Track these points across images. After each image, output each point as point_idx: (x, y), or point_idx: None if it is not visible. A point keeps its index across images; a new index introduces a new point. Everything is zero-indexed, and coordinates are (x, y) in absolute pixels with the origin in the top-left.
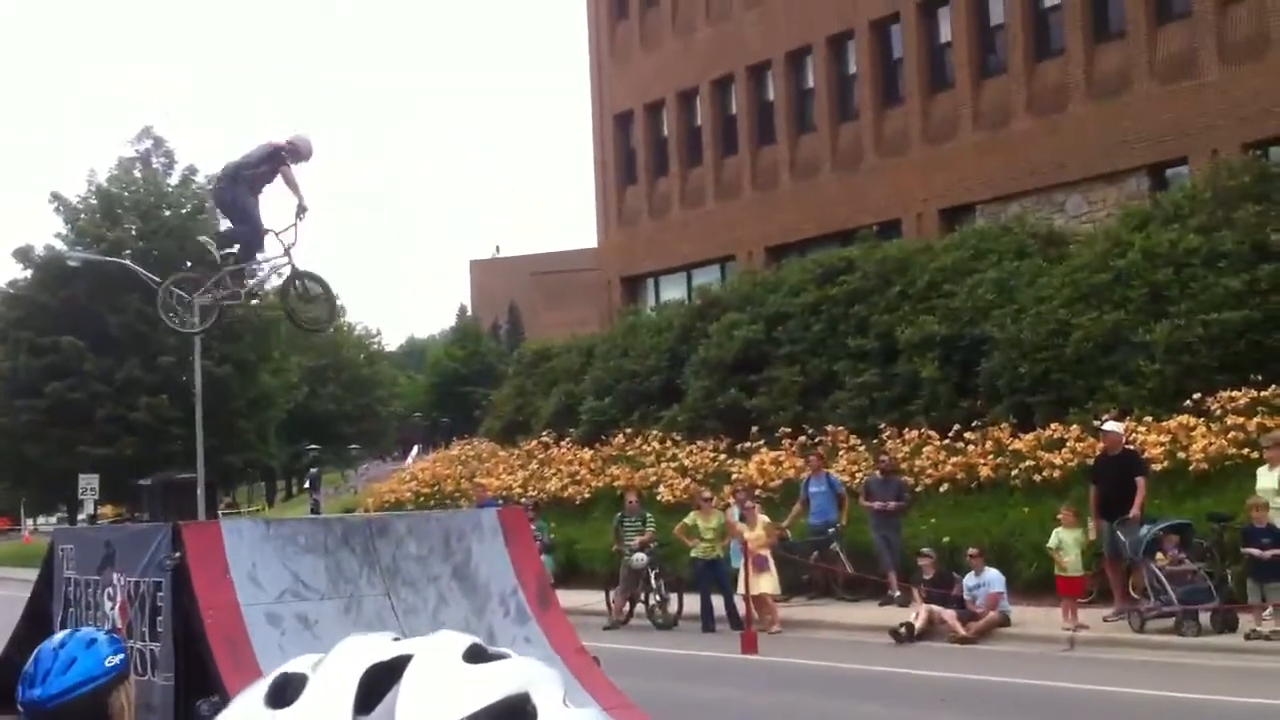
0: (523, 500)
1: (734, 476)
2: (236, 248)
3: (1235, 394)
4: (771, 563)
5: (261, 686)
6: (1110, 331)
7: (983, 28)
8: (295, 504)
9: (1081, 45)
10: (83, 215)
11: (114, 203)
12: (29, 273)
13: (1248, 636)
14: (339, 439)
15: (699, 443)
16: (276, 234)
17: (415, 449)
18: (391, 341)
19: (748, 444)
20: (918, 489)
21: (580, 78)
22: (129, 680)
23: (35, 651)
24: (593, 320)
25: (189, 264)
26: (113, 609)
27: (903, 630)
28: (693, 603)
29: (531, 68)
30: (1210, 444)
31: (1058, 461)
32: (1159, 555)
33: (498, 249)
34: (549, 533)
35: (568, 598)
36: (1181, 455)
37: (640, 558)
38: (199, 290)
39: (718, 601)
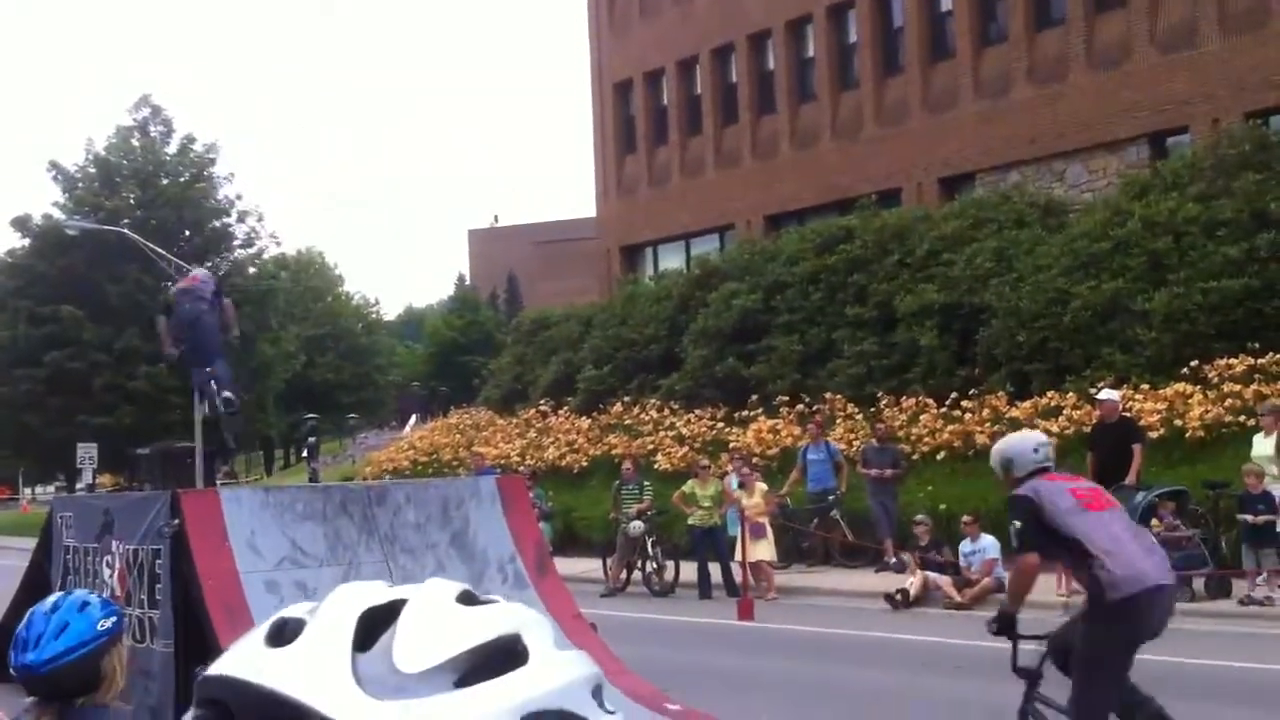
0: (521, 469)
1: (732, 444)
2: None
3: (1232, 362)
4: (769, 530)
5: (261, 629)
6: (1109, 300)
7: None
8: (294, 472)
9: (1082, 14)
10: (81, 184)
11: (112, 171)
12: (27, 241)
13: (1241, 602)
14: (337, 408)
15: (697, 411)
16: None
17: (413, 418)
18: (390, 311)
19: (746, 412)
20: (915, 457)
21: (580, 47)
22: (121, 643)
23: (28, 615)
24: (592, 289)
25: (187, 232)
26: (112, 576)
27: (898, 596)
28: (690, 570)
29: (531, 37)
30: (1207, 411)
31: (1055, 429)
32: (1154, 521)
33: (496, 218)
34: (547, 500)
35: (565, 565)
36: (1178, 423)
37: (637, 525)
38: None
39: (715, 569)
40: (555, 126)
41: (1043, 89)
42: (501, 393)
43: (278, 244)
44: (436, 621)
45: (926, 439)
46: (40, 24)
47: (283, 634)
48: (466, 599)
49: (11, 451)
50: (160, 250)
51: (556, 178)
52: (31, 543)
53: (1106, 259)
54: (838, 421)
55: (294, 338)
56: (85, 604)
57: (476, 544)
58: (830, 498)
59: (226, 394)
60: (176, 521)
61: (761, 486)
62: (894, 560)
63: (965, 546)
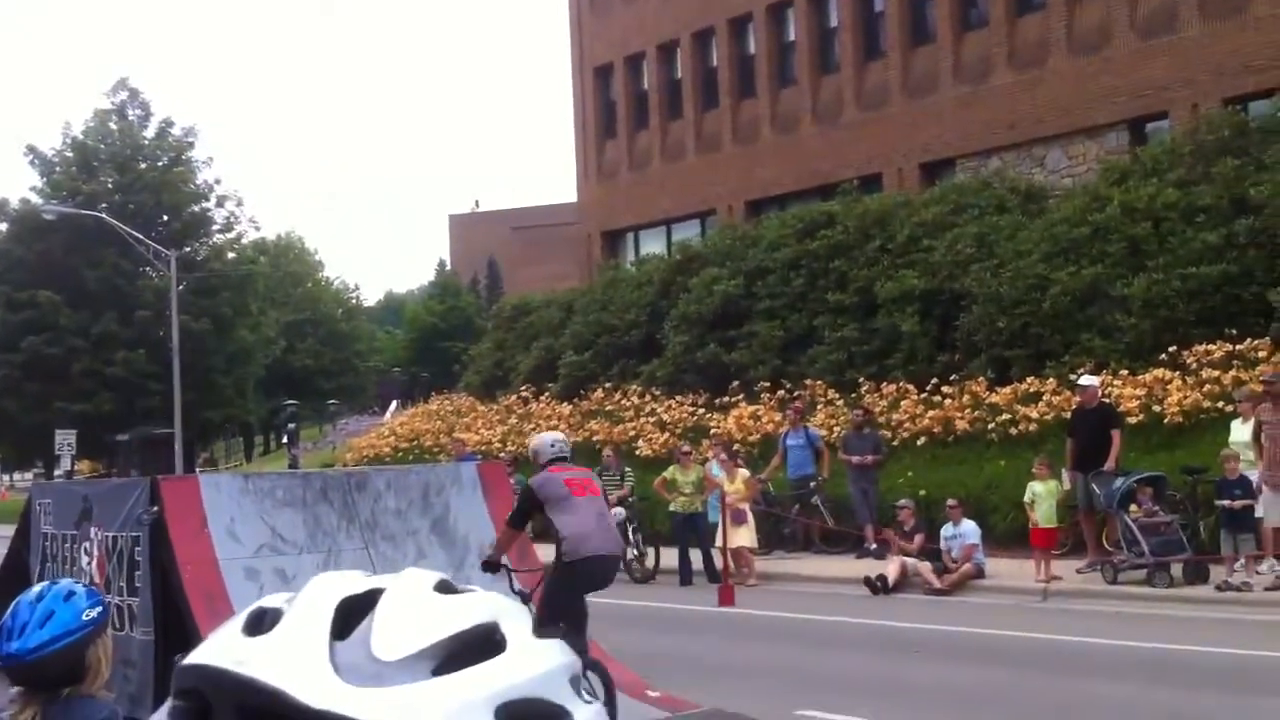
0: (502, 455)
1: (713, 430)
2: None
3: (1211, 348)
4: (750, 516)
5: (239, 618)
6: (1088, 286)
7: None
8: (274, 459)
9: (1063, 0)
10: (58, 168)
11: (90, 155)
12: (4, 226)
13: (1219, 588)
14: (317, 394)
15: (678, 397)
16: None
17: (394, 404)
18: (370, 296)
19: (727, 398)
20: (895, 442)
21: (560, 30)
22: (106, 633)
23: (13, 604)
24: (573, 275)
25: (165, 217)
26: (90, 564)
27: (878, 582)
28: (671, 556)
29: (511, 21)
30: (1185, 397)
31: (1034, 415)
32: (1133, 507)
33: (476, 203)
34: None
35: (547, 550)
36: (1157, 408)
37: (618, 512)
38: None
39: (696, 555)
40: (536, 111)
41: (1023, 74)
42: (482, 379)
43: (257, 229)
44: (414, 610)
45: (907, 424)
46: (17, 6)
47: (260, 623)
48: (444, 588)
49: None
50: (138, 235)
51: (537, 162)
52: (9, 529)
53: (1086, 245)
54: (819, 407)
55: (273, 323)
56: (71, 594)
57: (457, 531)
58: (812, 484)
59: None
60: (155, 509)
61: (743, 473)
62: (874, 546)
63: (947, 530)
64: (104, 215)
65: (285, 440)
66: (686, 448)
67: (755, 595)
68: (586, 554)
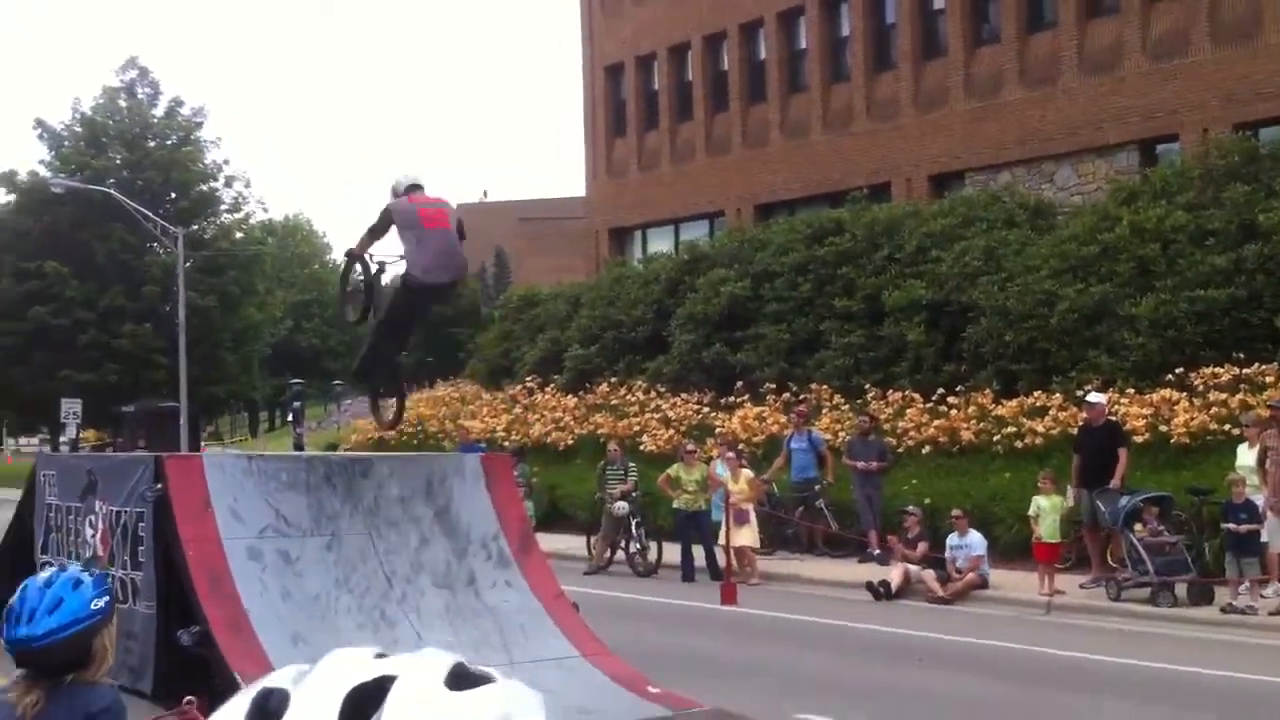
0: (507, 444)
1: (718, 430)
2: None
3: (1218, 370)
4: (753, 516)
5: (244, 700)
6: (1096, 304)
7: None
8: (279, 435)
9: (1074, 19)
10: (67, 143)
11: (99, 131)
12: (13, 198)
13: (1223, 610)
14: (323, 374)
15: (683, 395)
16: None
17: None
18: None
19: (732, 398)
20: (900, 450)
21: (572, 28)
22: (112, 622)
23: (21, 587)
24: (579, 268)
25: (173, 195)
26: (94, 537)
27: (880, 587)
28: (673, 552)
29: (525, 16)
30: (1192, 418)
31: (1040, 429)
32: (1138, 526)
33: (485, 193)
34: (531, 477)
35: (549, 541)
36: (1163, 429)
37: (622, 506)
38: None
39: (698, 552)
40: (546, 105)
41: (1034, 91)
42: (488, 367)
43: (265, 210)
44: (424, 708)
45: (913, 433)
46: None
47: (266, 708)
48: (457, 680)
49: None
50: (146, 211)
51: (546, 156)
52: (14, 493)
53: (1095, 263)
54: (824, 412)
55: (280, 303)
56: (79, 582)
57: (460, 520)
58: (816, 487)
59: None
60: (160, 486)
61: (747, 473)
62: (877, 551)
63: (952, 540)
64: (112, 191)
65: (290, 418)
66: (691, 446)
67: (757, 594)
68: (428, 282)
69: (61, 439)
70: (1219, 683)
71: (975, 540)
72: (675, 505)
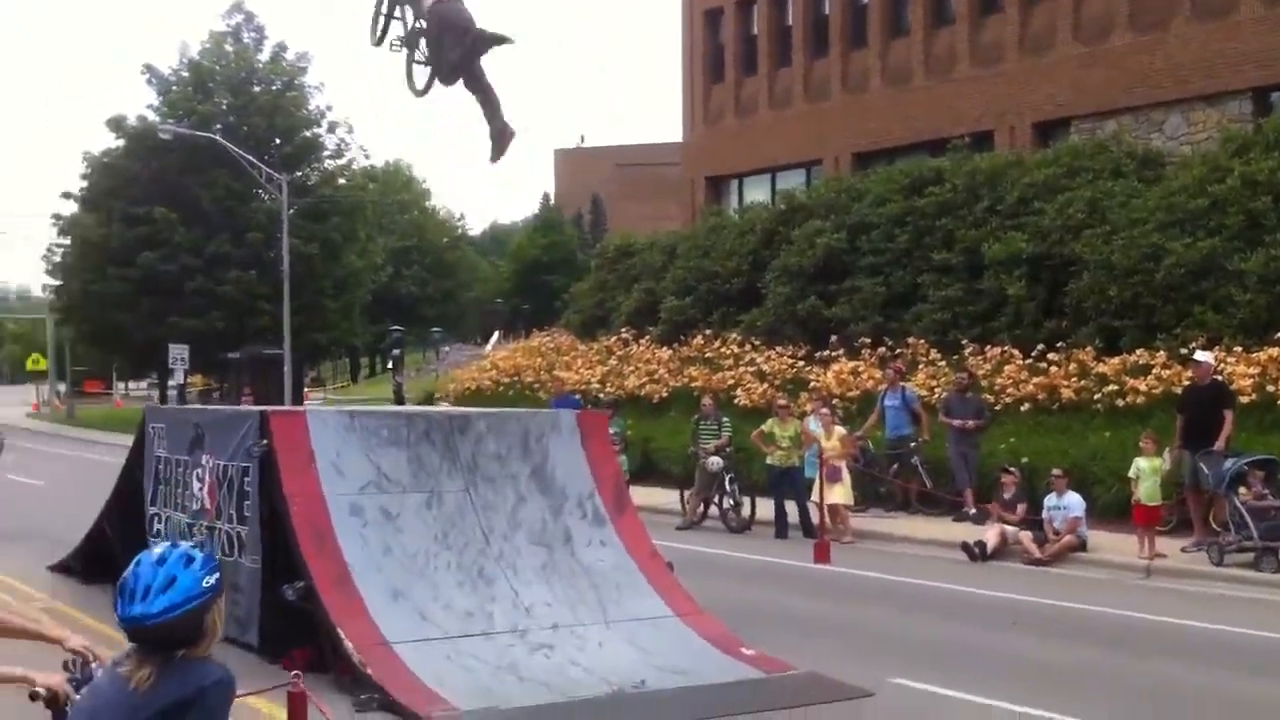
0: (601, 396)
1: (812, 384)
2: None
3: None
4: (846, 473)
5: None
6: (1204, 258)
7: None
8: (379, 382)
9: None
10: (174, 87)
11: (205, 76)
12: (121, 143)
13: None
14: (421, 321)
15: (778, 349)
16: None
17: (495, 335)
18: (475, 226)
19: (827, 352)
20: (998, 407)
21: None
22: (221, 598)
23: (134, 562)
24: (676, 215)
25: (277, 140)
26: (201, 490)
27: (976, 548)
28: (766, 508)
29: None
30: None
31: (1142, 388)
32: (1242, 489)
33: (582, 139)
34: (626, 430)
35: (643, 495)
36: (1271, 389)
37: (715, 461)
38: None
39: (792, 509)
40: (646, 50)
41: (1144, 36)
42: (583, 318)
43: (367, 156)
44: None
45: (1010, 390)
46: None
47: None
48: None
49: (105, 348)
50: (251, 158)
51: (645, 102)
52: (122, 438)
53: (1203, 216)
54: (920, 367)
55: (381, 249)
56: (190, 559)
57: (556, 478)
58: (911, 444)
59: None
60: (265, 442)
61: (840, 430)
62: (973, 511)
63: (1050, 501)
64: (218, 137)
65: (390, 366)
66: (784, 401)
67: (851, 553)
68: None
69: (169, 383)
70: None
71: (1073, 501)
72: (769, 461)
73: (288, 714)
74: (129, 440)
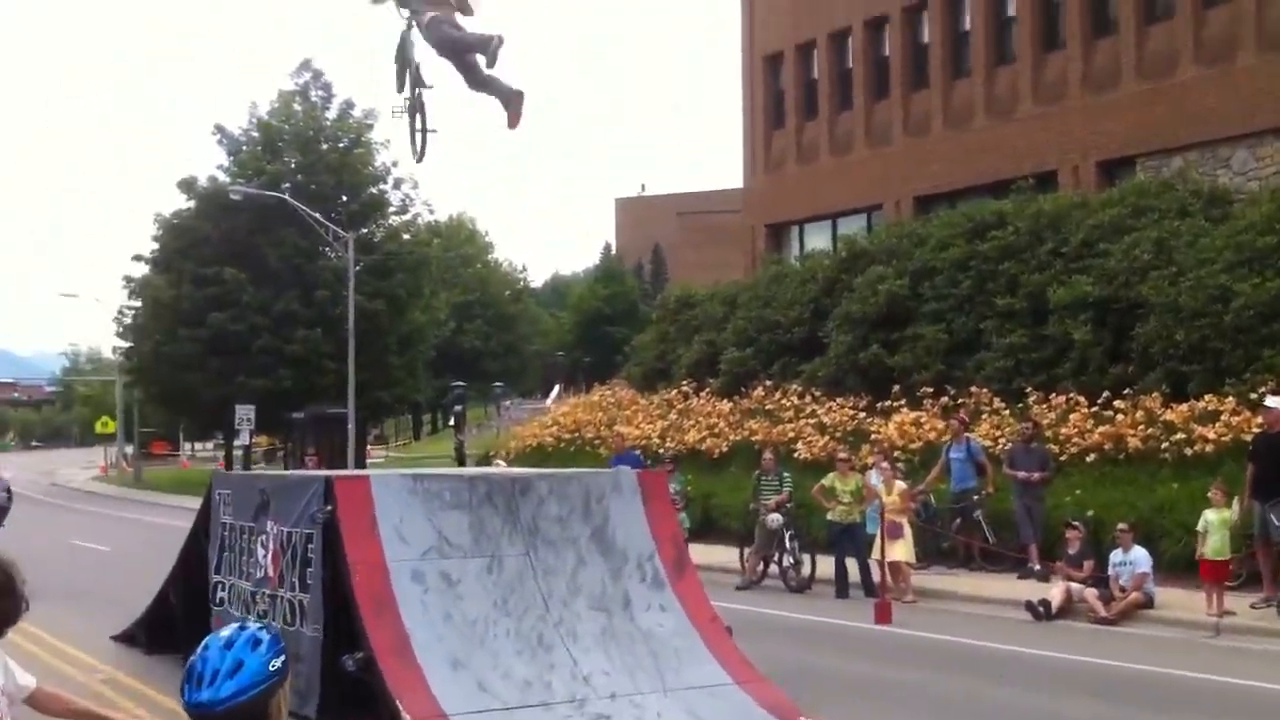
0: (662, 451)
1: (873, 436)
2: None
3: None
4: (907, 529)
5: None
6: (1274, 299)
7: None
8: (440, 438)
9: None
10: (244, 147)
11: (274, 136)
12: (192, 203)
13: None
14: (484, 375)
15: (839, 399)
16: None
17: (556, 388)
18: (537, 278)
19: (889, 402)
20: (1063, 457)
21: (732, 17)
22: (287, 682)
23: (202, 645)
24: (737, 261)
25: (344, 198)
26: (265, 557)
27: (1040, 607)
28: (827, 565)
29: (683, 5)
30: None
31: (1211, 436)
32: None
33: (643, 187)
34: (686, 486)
35: (702, 553)
36: None
37: (775, 518)
38: None
39: (853, 566)
40: (706, 97)
41: (1209, 69)
42: (644, 370)
43: (431, 211)
44: None
45: (1076, 439)
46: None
47: None
48: None
49: (172, 410)
50: (318, 216)
51: (705, 148)
52: (189, 500)
53: (1272, 254)
54: (983, 416)
55: (445, 304)
56: (258, 641)
57: (616, 540)
58: (975, 498)
59: None
60: (330, 508)
61: (900, 484)
62: (1037, 566)
63: (1115, 556)
64: (286, 196)
65: (453, 423)
66: (845, 454)
67: (913, 613)
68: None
69: (235, 444)
70: None
71: (1140, 556)
72: (829, 517)
73: None
74: (195, 502)
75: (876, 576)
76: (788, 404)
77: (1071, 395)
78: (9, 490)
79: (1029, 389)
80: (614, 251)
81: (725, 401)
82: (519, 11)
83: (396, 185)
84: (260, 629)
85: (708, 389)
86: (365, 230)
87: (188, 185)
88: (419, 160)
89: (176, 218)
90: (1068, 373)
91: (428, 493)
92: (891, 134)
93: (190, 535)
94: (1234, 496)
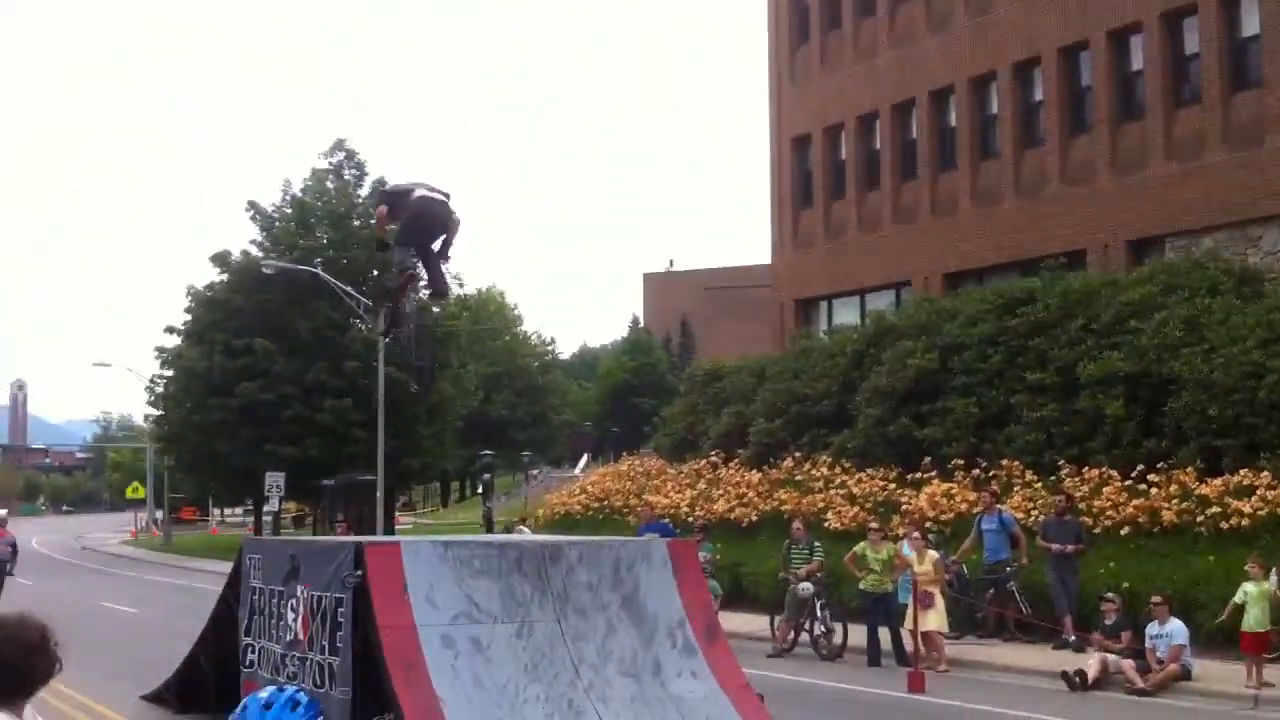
0: (692, 520)
1: (904, 506)
2: None
3: None
4: (939, 599)
5: None
6: None
7: (1176, 58)
8: (468, 506)
9: None
10: (277, 223)
11: (307, 212)
12: (225, 277)
13: None
14: (511, 444)
15: (869, 470)
16: None
17: (585, 457)
18: (565, 350)
19: (919, 474)
20: (1096, 530)
21: (760, 99)
22: None
23: (241, 707)
24: (765, 336)
25: (376, 272)
26: (295, 620)
27: (1076, 677)
28: (858, 634)
29: (714, 88)
30: None
31: (1246, 510)
32: None
33: (671, 263)
34: (716, 554)
35: (733, 621)
36: None
37: (806, 587)
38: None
39: (885, 635)
40: (735, 175)
41: (1239, 152)
42: (672, 441)
43: (460, 285)
44: None
45: (1110, 512)
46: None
47: None
48: None
49: (202, 476)
50: (349, 290)
51: (732, 224)
52: (219, 565)
53: None
54: (1015, 489)
55: (473, 376)
56: (296, 703)
57: (647, 607)
58: (1008, 569)
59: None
60: (360, 572)
61: (932, 554)
62: (1072, 638)
63: (1152, 629)
64: (319, 271)
65: (480, 491)
66: (876, 524)
67: (945, 682)
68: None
69: (265, 510)
70: None
71: (1177, 628)
72: (861, 586)
73: None
74: (224, 567)
75: (909, 645)
76: (817, 474)
77: (1104, 469)
78: (14, 545)
79: (1061, 462)
80: (641, 324)
81: (754, 472)
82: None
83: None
84: (297, 691)
85: (736, 459)
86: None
87: (221, 259)
88: (384, 336)
89: (209, 290)
90: (1100, 446)
91: (458, 559)
92: (919, 213)
93: (220, 599)
94: (1272, 569)
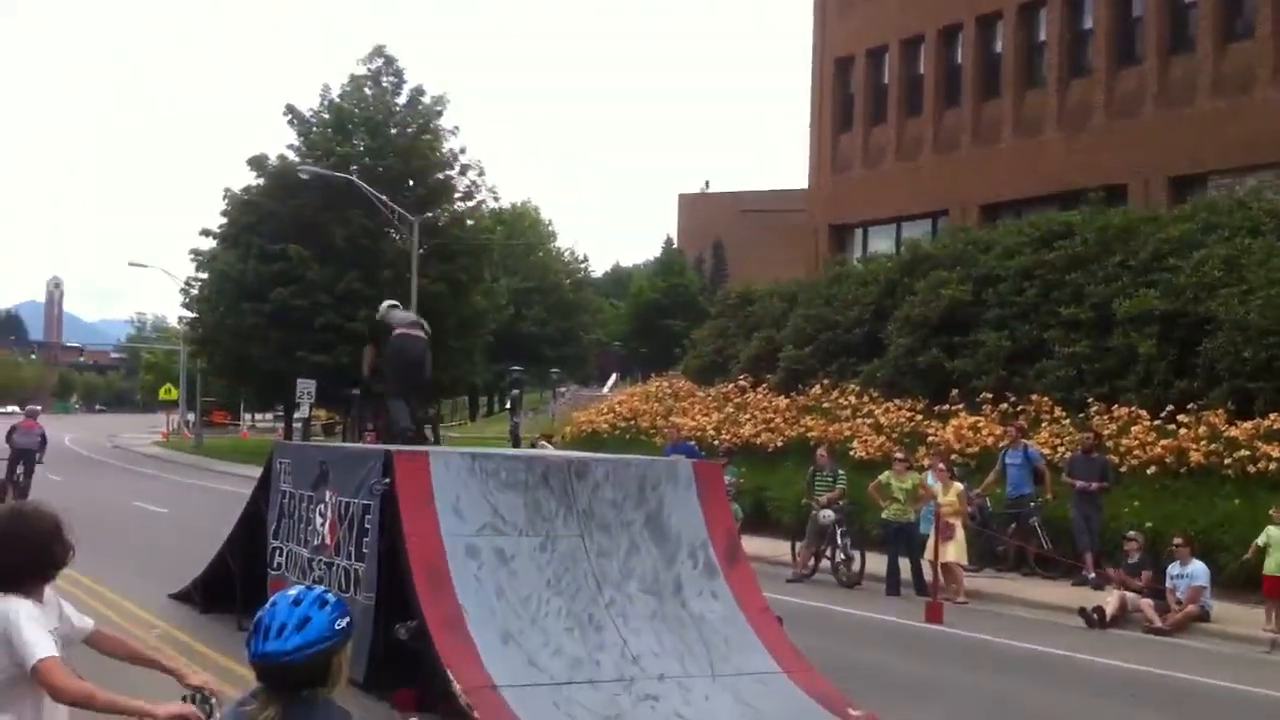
0: (717, 443)
1: (930, 438)
2: None
3: None
4: (960, 532)
5: None
6: None
7: None
8: (495, 420)
9: None
10: (315, 129)
11: (345, 118)
12: (261, 181)
13: None
14: (540, 361)
15: (896, 401)
16: None
17: (613, 377)
18: (598, 268)
19: (946, 406)
20: (1123, 469)
21: (804, 19)
22: (349, 643)
23: (270, 603)
24: (798, 261)
25: (411, 182)
26: (323, 525)
27: (1094, 614)
28: (877, 562)
29: (755, 5)
30: None
31: (1275, 454)
32: None
33: (707, 184)
34: (740, 478)
35: (754, 545)
36: None
37: (828, 514)
38: None
39: (905, 565)
40: (774, 97)
41: None
42: (701, 364)
43: (496, 199)
44: None
45: (1137, 451)
46: None
47: None
48: None
49: (233, 380)
50: (385, 199)
51: (770, 147)
52: (247, 469)
53: None
54: (1043, 425)
55: (505, 290)
56: (325, 601)
57: (670, 526)
58: (1031, 504)
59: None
60: (388, 480)
61: (957, 486)
62: (1092, 575)
63: (1173, 569)
64: (354, 178)
65: (509, 406)
66: (901, 454)
67: (964, 614)
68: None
69: (295, 416)
70: None
71: (1198, 570)
72: (883, 515)
73: None
74: (254, 471)
75: (929, 576)
76: (845, 403)
77: (1134, 408)
78: (43, 435)
79: (1091, 399)
80: (675, 245)
81: (782, 398)
82: (591, 13)
83: (463, 171)
84: (326, 591)
85: (765, 384)
86: (430, 214)
87: (258, 163)
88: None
89: (246, 194)
90: (1131, 385)
91: (485, 471)
92: (960, 141)
93: (250, 501)
94: None
